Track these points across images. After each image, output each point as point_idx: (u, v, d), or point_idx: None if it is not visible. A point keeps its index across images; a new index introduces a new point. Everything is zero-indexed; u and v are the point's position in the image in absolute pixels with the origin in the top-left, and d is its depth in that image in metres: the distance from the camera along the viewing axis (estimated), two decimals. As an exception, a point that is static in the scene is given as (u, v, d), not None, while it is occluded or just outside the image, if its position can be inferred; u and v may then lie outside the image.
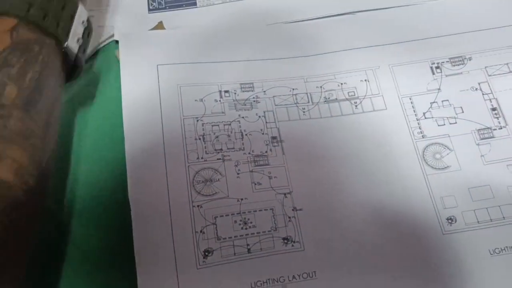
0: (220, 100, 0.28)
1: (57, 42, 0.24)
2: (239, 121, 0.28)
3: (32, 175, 0.19)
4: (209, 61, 0.29)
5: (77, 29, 0.25)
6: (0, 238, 0.18)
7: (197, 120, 0.27)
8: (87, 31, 0.27)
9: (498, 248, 0.25)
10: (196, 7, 0.33)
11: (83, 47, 0.26)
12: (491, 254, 0.25)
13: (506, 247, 0.25)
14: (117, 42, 0.31)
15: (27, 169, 0.19)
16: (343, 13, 0.31)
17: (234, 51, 0.30)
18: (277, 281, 0.24)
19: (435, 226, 0.25)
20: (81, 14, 0.25)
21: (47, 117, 0.22)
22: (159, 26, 0.32)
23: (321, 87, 0.29)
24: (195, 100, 0.28)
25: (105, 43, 0.32)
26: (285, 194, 0.26)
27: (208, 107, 0.28)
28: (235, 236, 0.25)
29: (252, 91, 0.28)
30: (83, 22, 0.26)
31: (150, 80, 0.28)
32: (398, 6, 0.31)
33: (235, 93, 0.28)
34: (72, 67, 0.26)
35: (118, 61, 0.30)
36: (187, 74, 0.29)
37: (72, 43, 0.25)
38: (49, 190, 0.22)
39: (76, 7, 0.25)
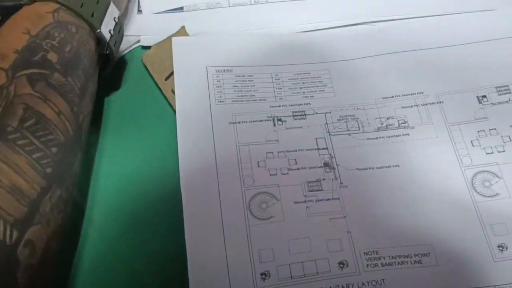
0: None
1: (91, 28, 0.29)
2: None
3: (71, 123, 0.24)
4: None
5: (109, 22, 0.30)
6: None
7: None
8: (118, 27, 0.31)
9: None
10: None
11: (114, 39, 0.31)
12: None
13: None
14: (143, 47, 0.35)
15: (67, 117, 0.24)
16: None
17: None
18: None
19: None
20: (113, 11, 0.31)
21: (82, 85, 0.26)
22: (182, 31, 0.34)
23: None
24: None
25: (128, 50, 0.35)
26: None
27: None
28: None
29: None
30: (114, 18, 0.31)
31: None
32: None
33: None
34: (104, 61, 0.31)
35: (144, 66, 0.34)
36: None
37: (105, 31, 0.29)
38: (82, 146, 0.26)
39: (109, 3, 0.30)
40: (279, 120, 0.30)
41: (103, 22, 0.29)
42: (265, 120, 0.30)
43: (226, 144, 0.29)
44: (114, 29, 0.31)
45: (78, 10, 0.28)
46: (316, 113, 0.31)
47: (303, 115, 0.30)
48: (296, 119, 0.30)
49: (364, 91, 0.32)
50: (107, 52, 0.30)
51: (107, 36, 0.30)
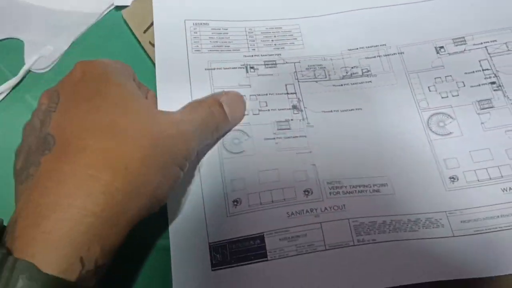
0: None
1: None
2: None
3: None
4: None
5: None
6: None
7: None
8: None
9: None
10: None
11: None
12: None
13: None
14: (118, 8, 0.36)
15: None
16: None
17: None
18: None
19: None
20: None
21: None
22: None
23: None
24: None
25: (103, 14, 0.36)
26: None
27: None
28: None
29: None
30: None
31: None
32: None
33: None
34: None
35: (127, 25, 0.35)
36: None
37: None
38: None
39: None
40: (252, 68, 0.32)
41: None
42: (239, 68, 0.32)
43: (202, 88, 0.31)
44: None
45: None
46: (286, 63, 0.33)
47: (274, 64, 0.33)
48: (267, 67, 0.32)
49: (331, 44, 0.34)
50: None
51: None
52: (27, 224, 0.19)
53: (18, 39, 0.36)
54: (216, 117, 0.27)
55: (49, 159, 0.21)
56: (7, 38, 0.36)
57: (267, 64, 0.33)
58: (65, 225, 0.19)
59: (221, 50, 0.33)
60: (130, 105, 0.23)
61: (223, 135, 0.29)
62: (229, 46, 0.33)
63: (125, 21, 0.36)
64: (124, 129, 0.22)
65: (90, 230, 0.20)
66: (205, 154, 0.29)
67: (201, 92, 0.31)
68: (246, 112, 0.30)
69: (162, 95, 0.30)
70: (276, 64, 0.33)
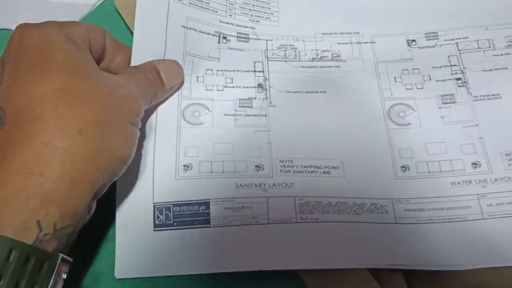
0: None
1: None
2: None
3: None
4: None
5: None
6: None
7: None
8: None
9: None
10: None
11: None
12: None
13: None
14: None
15: None
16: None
17: None
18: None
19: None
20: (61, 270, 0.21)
21: None
22: None
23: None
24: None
25: (97, 4, 0.36)
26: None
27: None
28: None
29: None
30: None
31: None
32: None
33: None
34: None
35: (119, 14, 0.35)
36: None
37: None
38: None
39: (56, 262, 0.20)
40: (224, 38, 0.33)
41: None
42: (212, 35, 0.32)
43: (176, 50, 0.30)
44: None
45: None
46: (259, 39, 0.33)
47: (246, 38, 0.33)
48: (239, 40, 0.33)
49: (306, 25, 0.34)
50: None
51: None
52: None
53: (11, 29, 0.35)
54: (152, 83, 0.27)
55: (3, 132, 0.21)
56: (0, 29, 0.36)
57: (239, 37, 0.33)
58: (23, 192, 0.20)
59: (200, 6, 0.33)
60: (76, 67, 0.23)
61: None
62: (208, 3, 0.33)
63: (118, 12, 0.36)
64: (74, 93, 0.22)
65: (48, 195, 0.20)
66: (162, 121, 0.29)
67: (174, 54, 0.30)
68: (210, 88, 0.31)
69: (136, 52, 0.29)
70: (248, 38, 0.33)
